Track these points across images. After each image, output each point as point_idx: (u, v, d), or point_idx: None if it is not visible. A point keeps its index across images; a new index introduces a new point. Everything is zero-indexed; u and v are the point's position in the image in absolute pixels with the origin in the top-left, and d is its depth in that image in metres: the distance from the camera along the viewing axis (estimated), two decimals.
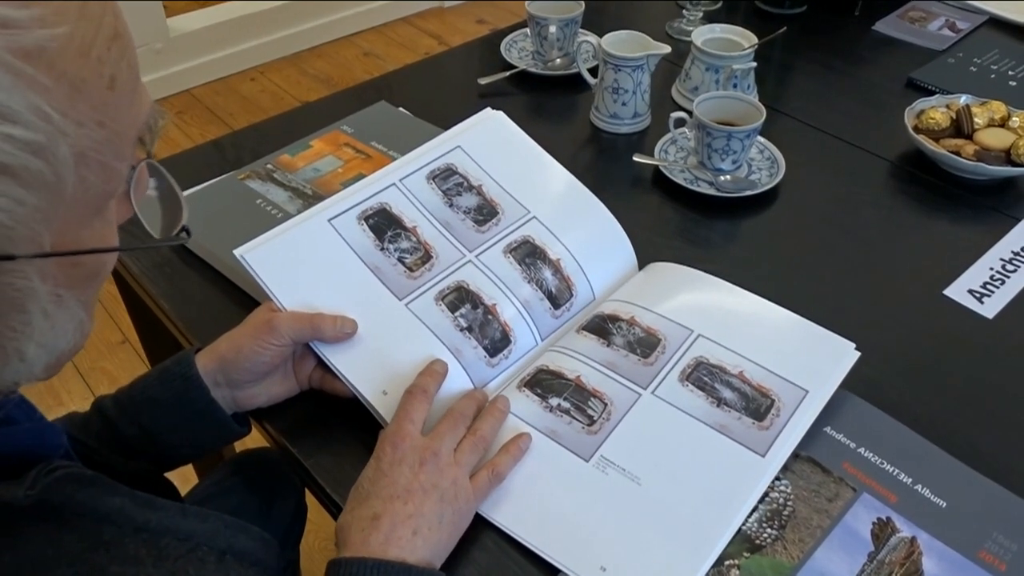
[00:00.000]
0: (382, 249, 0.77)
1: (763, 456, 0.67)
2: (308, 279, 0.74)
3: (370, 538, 0.59)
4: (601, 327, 0.77)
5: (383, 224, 0.79)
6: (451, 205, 0.82)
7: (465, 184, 0.83)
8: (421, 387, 0.68)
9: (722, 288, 0.81)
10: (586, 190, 0.86)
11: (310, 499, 0.87)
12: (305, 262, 0.74)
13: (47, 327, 0.41)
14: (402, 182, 0.82)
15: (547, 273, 0.80)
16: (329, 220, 0.77)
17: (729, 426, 0.69)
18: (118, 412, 0.69)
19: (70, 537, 0.46)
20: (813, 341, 0.76)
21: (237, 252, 0.73)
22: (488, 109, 0.90)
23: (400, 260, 0.77)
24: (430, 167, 0.83)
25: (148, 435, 0.68)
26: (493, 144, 0.87)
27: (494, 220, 0.82)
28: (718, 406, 0.70)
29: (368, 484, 0.62)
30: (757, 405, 0.70)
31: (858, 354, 0.74)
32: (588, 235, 0.84)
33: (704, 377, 0.72)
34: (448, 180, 0.83)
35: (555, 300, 0.79)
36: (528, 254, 0.80)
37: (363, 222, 0.78)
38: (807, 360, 0.74)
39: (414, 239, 0.79)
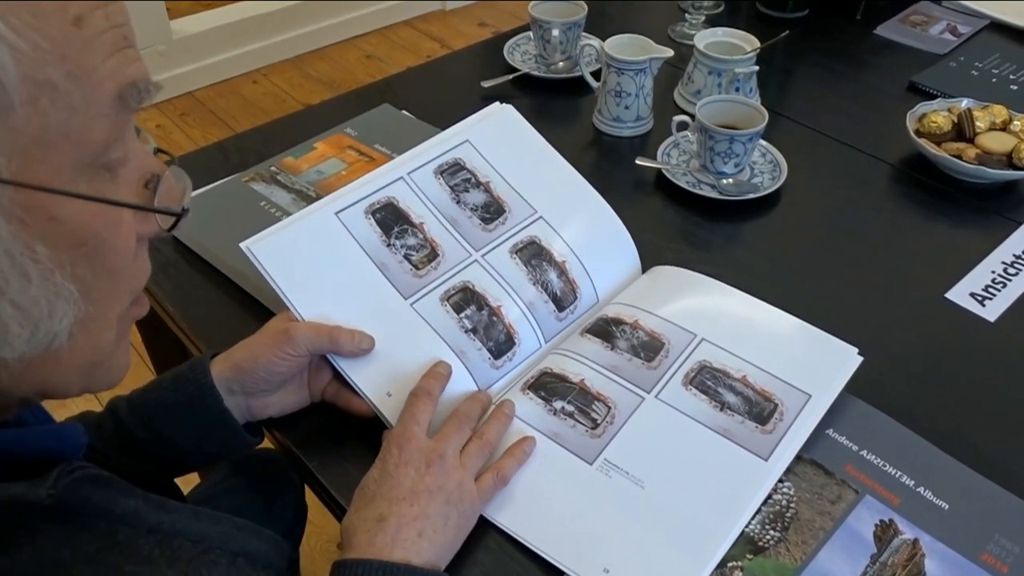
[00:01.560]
0: (388, 245, 0.77)
1: (766, 460, 0.67)
2: (314, 274, 0.73)
3: (376, 539, 0.59)
4: (605, 330, 0.77)
5: (390, 219, 0.78)
6: (458, 202, 0.81)
7: (473, 180, 0.83)
8: (425, 389, 0.68)
9: (725, 292, 0.81)
10: (592, 189, 0.87)
11: (310, 501, 0.88)
12: (311, 256, 0.74)
13: (17, 280, 0.40)
14: (410, 176, 0.81)
15: (552, 275, 0.80)
16: (336, 213, 0.76)
17: (732, 430, 0.69)
18: (131, 414, 0.69)
19: (86, 537, 0.46)
20: (816, 346, 0.76)
21: (243, 245, 0.73)
22: (497, 103, 0.90)
23: (407, 257, 0.77)
24: (438, 161, 0.83)
25: (160, 440, 0.68)
26: (502, 139, 0.87)
27: (501, 219, 0.82)
28: (721, 410, 0.71)
29: (374, 485, 0.62)
30: (760, 409, 0.71)
31: (860, 359, 0.75)
32: (593, 237, 0.84)
33: (707, 381, 0.73)
34: (456, 176, 0.83)
35: (559, 302, 0.80)
36: (534, 255, 0.80)
37: (370, 216, 0.78)
38: (810, 365, 0.74)
39: (421, 236, 0.78)
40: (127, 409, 0.70)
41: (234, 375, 0.68)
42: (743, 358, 0.75)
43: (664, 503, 0.65)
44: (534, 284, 0.79)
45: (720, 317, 0.79)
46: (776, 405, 0.71)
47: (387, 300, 0.74)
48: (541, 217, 0.83)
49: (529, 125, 0.89)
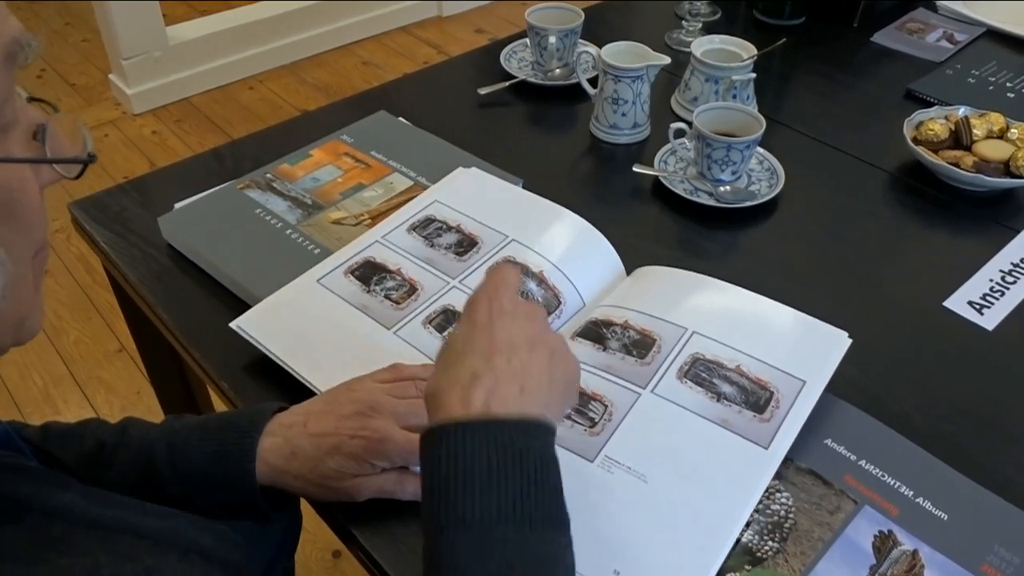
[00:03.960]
0: (368, 291, 0.80)
1: (766, 448, 0.67)
2: (300, 328, 0.77)
3: (472, 396, 0.50)
4: (595, 332, 0.77)
5: (368, 273, 0.82)
6: (432, 245, 0.85)
7: (444, 227, 0.87)
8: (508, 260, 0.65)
9: (712, 285, 0.81)
10: (562, 208, 0.88)
11: (305, 510, 0.87)
12: (297, 316, 0.78)
13: None
14: (384, 238, 0.86)
15: (532, 284, 0.81)
16: (317, 280, 0.81)
17: (730, 420, 0.69)
18: (172, 473, 0.65)
19: (14, 532, 0.44)
20: (805, 331, 0.76)
21: (233, 325, 0.77)
22: (460, 168, 0.94)
23: (387, 297, 0.80)
24: (411, 221, 0.87)
25: (190, 501, 0.64)
26: (468, 189, 0.92)
27: (474, 249, 0.84)
28: (718, 401, 0.70)
29: (461, 344, 0.53)
30: (757, 398, 0.70)
31: (850, 341, 0.74)
32: (568, 245, 0.85)
33: (702, 373, 0.72)
34: (428, 227, 0.87)
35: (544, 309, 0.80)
36: None
37: (349, 275, 0.82)
38: (801, 350, 0.74)
39: (399, 278, 0.81)
40: (168, 466, 0.65)
41: (284, 465, 0.63)
42: (735, 348, 0.74)
43: (669, 496, 0.64)
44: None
45: (709, 309, 0.79)
46: (772, 393, 0.71)
47: (371, 333, 0.77)
48: (513, 240, 0.85)
49: (492, 176, 0.93)
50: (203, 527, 0.53)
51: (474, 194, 0.91)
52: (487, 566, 0.47)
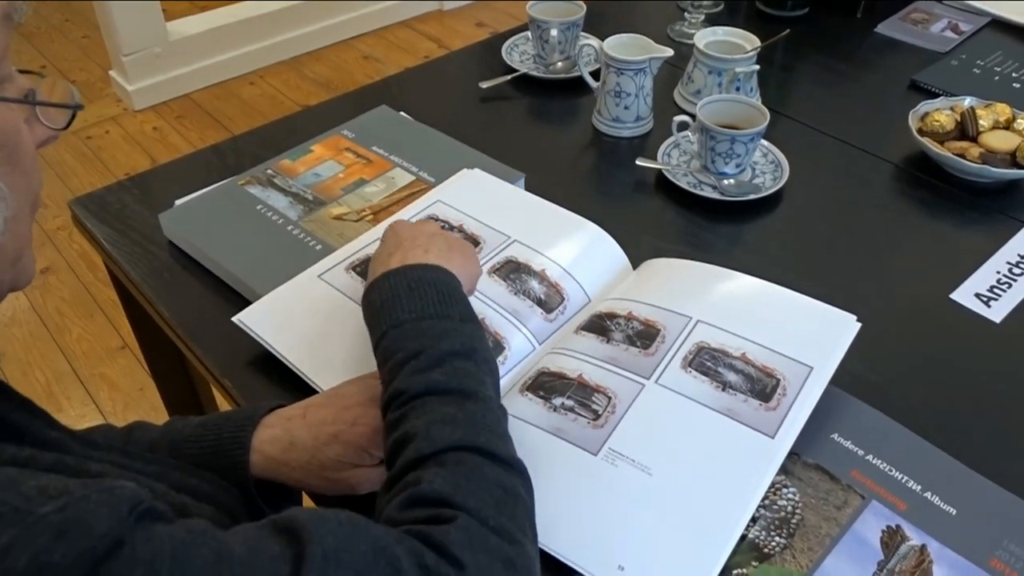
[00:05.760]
0: None
1: (772, 438, 0.66)
2: (302, 323, 0.77)
3: (390, 262, 0.66)
4: (599, 325, 0.76)
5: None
6: None
7: (447, 226, 0.86)
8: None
9: (715, 273, 0.80)
10: (563, 210, 0.88)
11: (307, 504, 0.87)
12: (298, 311, 0.78)
13: None
14: None
15: (533, 283, 0.80)
16: (319, 276, 0.81)
17: (736, 409, 0.68)
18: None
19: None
20: (812, 316, 0.75)
21: (235, 319, 0.77)
22: (464, 170, 0.94)
23: None
24: (413, 219, 0.87)
25: None
26: (471, 191, 0.91)
27: (476, 250, 0.83)
28: (723, 390, 0.69)
29: (376, 252, 0.71)
30: (763, 386, 0.70)
31: (859, 325, 0.73)
32: (570, 244, 0.85)
33: (707, 362, 0.72)
34: None
35: (546, 305, 0.79)
36: (512, 271, 0.81)
37: (351, 271, 0.81)
38: (808, 336, 0.73)
39: None
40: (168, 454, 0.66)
41: (282, 456, 0.63)
42: (740, 335, 0.73)
43: (674, 489, 0.64)
44: (515, 294, 0.79)
45: (713, 297, 0.78)
46: (778, 380, 0.70)
47: None
48: (516, 240, 0.84)
49: (496, 179, 0.93)
50: (188, 471, 0.55)
51: (477, 195, 0.90)
52: (421, 342, 0.60)
